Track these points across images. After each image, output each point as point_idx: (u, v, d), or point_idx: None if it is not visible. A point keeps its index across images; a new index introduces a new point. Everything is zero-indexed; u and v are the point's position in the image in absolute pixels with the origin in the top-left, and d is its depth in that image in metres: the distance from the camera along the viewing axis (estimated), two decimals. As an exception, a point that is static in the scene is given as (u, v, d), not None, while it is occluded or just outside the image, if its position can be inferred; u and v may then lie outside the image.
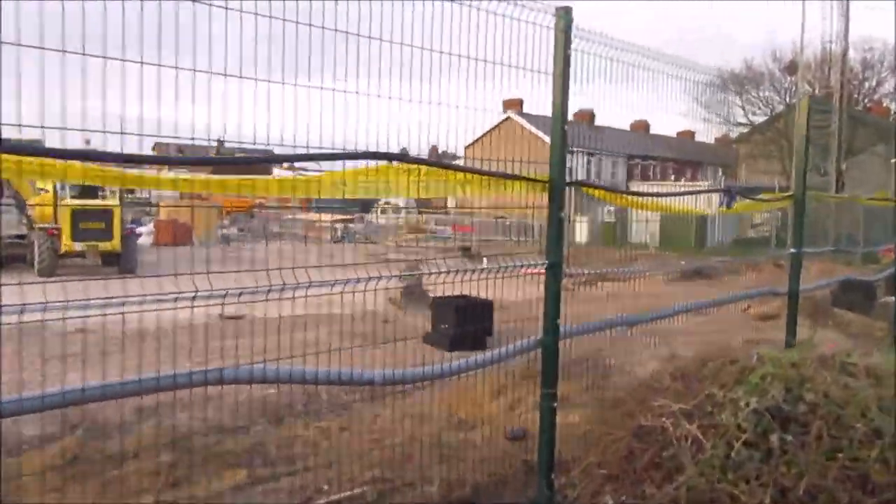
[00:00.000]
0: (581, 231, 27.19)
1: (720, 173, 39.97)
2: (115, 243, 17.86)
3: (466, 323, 7.13)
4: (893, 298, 13.96)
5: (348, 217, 32.68)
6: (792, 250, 5.96)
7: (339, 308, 3.91)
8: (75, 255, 17.93)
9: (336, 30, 3.13)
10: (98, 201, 18.39)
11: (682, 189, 5.05)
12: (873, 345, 9.43)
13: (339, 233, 28.00)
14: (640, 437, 3.74)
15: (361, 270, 3.63)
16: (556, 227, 4.22)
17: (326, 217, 32.28)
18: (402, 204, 44.35)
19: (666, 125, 77.98)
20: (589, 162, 46.05)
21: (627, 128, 55.84)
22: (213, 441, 3.95)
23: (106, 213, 17.87)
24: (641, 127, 55.84)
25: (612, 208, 28.86)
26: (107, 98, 2.58)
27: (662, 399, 3.96)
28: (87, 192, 17.72)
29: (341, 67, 3.21)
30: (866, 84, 35.13)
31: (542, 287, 5.96)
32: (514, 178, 4.08)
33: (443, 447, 4.27)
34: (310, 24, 3.04)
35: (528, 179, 4.14)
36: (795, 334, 6.06)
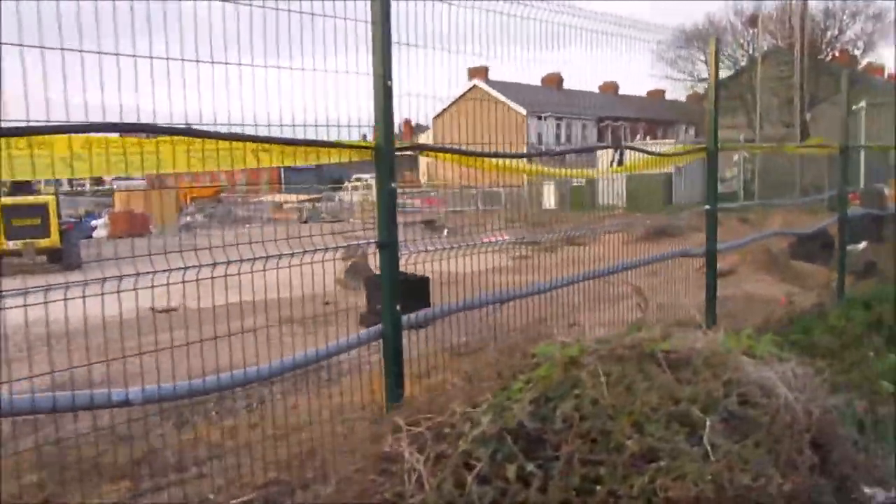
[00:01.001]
0: (549, 195, 26.99)
1: (690, 131, 39.87)
2: (53, 239, 17.01)
3: (400, 302, 6.82)
4: (859, 246, 13.85)
5: (315, 196, 32.26)
6: (706, 207, 5.66)
7: (282, 291, 3.69)
8: (11, 253, 17.05)
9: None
10: (31, 197, 17.38)
11: (562, 149, 4.68)
12: (826, 296, 9.30)
13: (304, 214, 27.60)
14: (383, 469, 2.74)
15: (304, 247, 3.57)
16: (387, 202, 3.65)
17: (293, 198, 31.85)
18: (372, 181, 43.82)
19: (636, 85, 77.75)
20: (558, 126, 45.89)
21: (596, 90, 55.65)
22: (98, 452, 3.66)
23: (40, 208, 17.00)
24: (611, 89, 55.60)
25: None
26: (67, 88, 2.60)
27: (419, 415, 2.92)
28: (20, 187, 16.85)
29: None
30: (828, 33, 35.00)
31: (501, 257, 5.79)
32: (330, 145, 3.46)
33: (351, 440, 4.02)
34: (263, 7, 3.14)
35: (347, 146, 3.54)
36: (715, 299, 5.77)
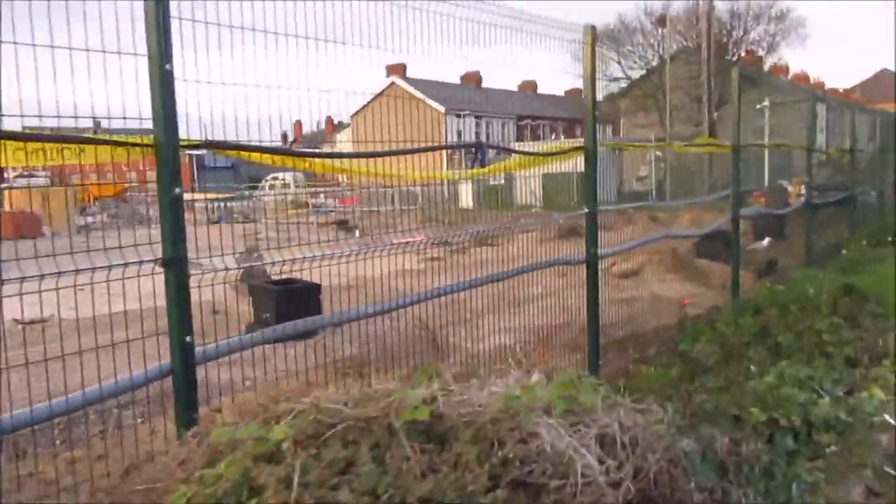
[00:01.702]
0: (467, 195, 26.78)
1: (608, 130, 40.46)
2: None
3: (286, 311, 6.41)
4: (763, 243, 14.14)
5: (226, 196, 31.16)
6: (585, 210, 5.34)
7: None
8: None
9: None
10: None
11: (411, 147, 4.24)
12: (725, 296, 9.33)
13: (214, 213, 26.57)
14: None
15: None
16: (171, 210, 3.00)
17: (203, 196, 30.72)
18: (289, 180, 42.96)
19: (555, 85, 78.84)
20: (477, 124, 45.90)
21: (515, 89, 56.05)
22: None
23: None
24: (529, 87, 56.12)
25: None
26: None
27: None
28: None
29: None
30: (734, 34, 36.21)
31: (414, 259, 5.47)
32: (97, 142, 2.88)
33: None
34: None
35: (119, 144, 2.92)
36: (598, 302, 5.38)
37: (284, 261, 4.46)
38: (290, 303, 6.68)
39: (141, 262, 2.95)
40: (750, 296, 6.41)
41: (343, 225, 20.38)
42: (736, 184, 7.47)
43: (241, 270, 10.11)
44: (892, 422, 3.13)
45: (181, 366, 3.12)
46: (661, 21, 32.01)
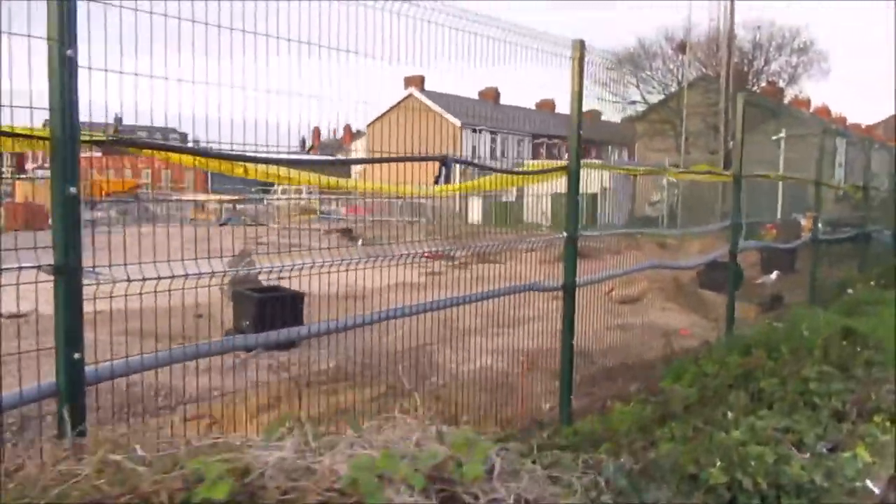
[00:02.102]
0: (475, 210, 26.59)
1: (623, 153, 40.32)
2: None
3: (267, 320, 6.23)
4: (772, 277, 13.81)
5: (238, 198, 31.10)
6: (564, 234, 5.03)
7: (161, 299, 3.13)
8: None
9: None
10: None
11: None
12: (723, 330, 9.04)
13: (223, 215, 26.55)
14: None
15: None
16: (65, 211, 2.73)
17: (216, 198, 30.74)
18: (302, 185, 42.93)
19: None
20: (493, 140, 45.80)
21: (533, 107, 55.94)
22: None
23: None
24: (548, 107, 55.96)
25: (513, 187, 28.35)
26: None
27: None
28: None
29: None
30: (755, 64, 35.91)
31: (414, 272, 5.31)
32: None
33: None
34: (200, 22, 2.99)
35: (7, 135, 2.67)
36: (573, 333, 5.00)
37: (273, 267, 4.29)
38: (271, 311, 6.50)
39: (21, 268, 2.71)
40: (745, 332, 6.10)
41: (347, 234, 20.28)
42: (736, 215, 7.16)
43: (234, 275, 9.98)
44: (874, 489, 2.83)
45: (67, 386, 2.77)
46: (682, 47, 31.83)
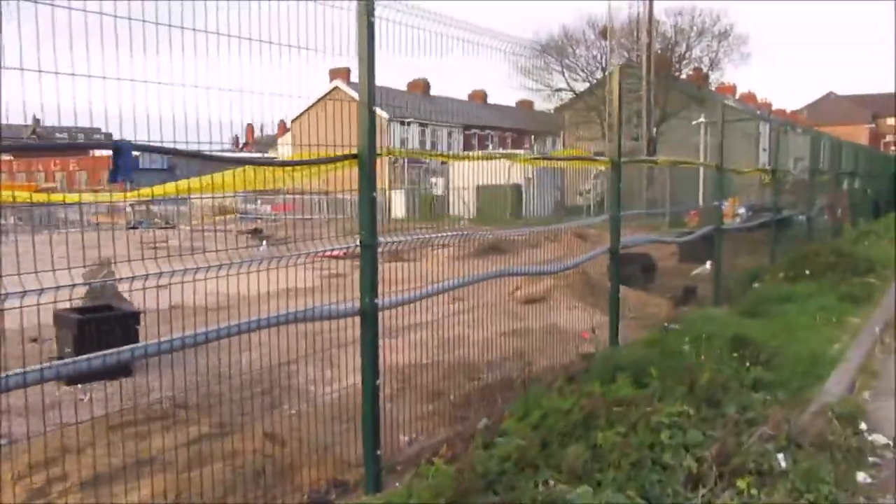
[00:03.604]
0: (398, 204, 25.73)
1: (557, 143, 40.00)
2: None
3: (91, 345, 5.28)
4: (706, 268, 13.23)
5: (149, 199, 29.56)
6: (358, 242, 3.93)
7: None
8: None
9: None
10: None
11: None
12: (633, 329, 8.44)
13: (133, 218, 25.04)
14: None
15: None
16: None
17: (128, 199, 29.03)
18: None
19: (506, 95, 78.82)
20: (423, 132, 44.99)
21: (465, 98, 55.35)
22: None
23: None
24: (479, 97, 55.45)
25: (438, 180, 27.71)
26: None
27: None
28: None
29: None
30: (677, 50, 35.88)
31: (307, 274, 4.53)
32: None
33: None
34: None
35: None
36: (376, 370, 3.95)
37: (135, 276, 3.44)
38: (95, 334, 5.54)
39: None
40: (628, 349, 5.23)
41: (256, 233, 19.13)
42: (615, 207, 6.19)
43: (89, 289, 8.91)
44: None
45: None
46: (604, 33, 31.56)
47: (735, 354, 4.85)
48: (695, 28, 35.39)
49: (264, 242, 14.66)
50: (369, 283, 3.89)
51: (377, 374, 3.87)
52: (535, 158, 6.45)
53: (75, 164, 46.85)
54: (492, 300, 8.29)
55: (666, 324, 6.65)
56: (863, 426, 4.53)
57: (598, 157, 6.18)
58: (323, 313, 3.87)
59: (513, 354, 7.11)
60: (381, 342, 6.61)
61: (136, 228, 25.22)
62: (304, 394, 5.83)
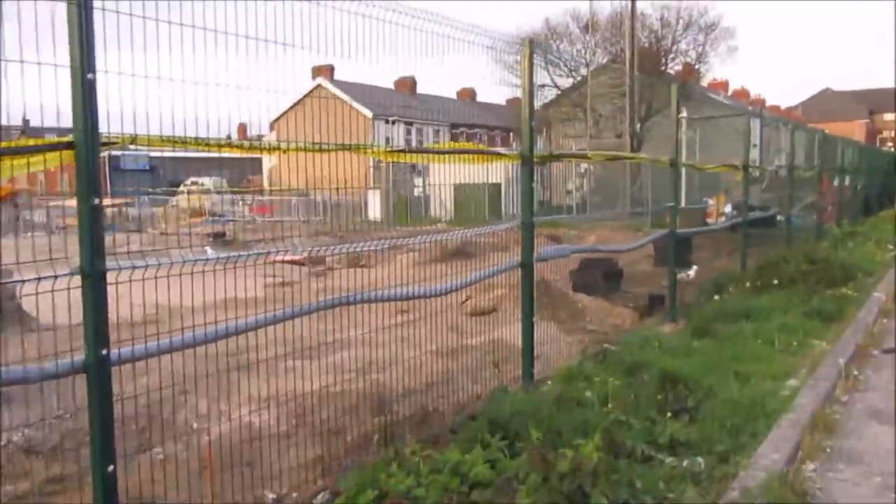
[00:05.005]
0: (374, 205, 25.00)
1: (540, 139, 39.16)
2: None
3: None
4: (690, 273, 12.42)
5: (121, 201, 28.85)
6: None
7: None
8: None
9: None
10: None
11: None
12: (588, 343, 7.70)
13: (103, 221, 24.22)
14: None
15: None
16: None
17: (105, 202, 28.22)
18: (209, 184, 40.99)
19: (496, 93, 78.23)
20: (408, 131, 44.26)
21: (454, 96, 54.58)
22: None
23: None
24: (467, 95, 54.68)
25: (416, 179, 27.04)
26: None
27: None
28: None
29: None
30: (663, 43, 35.02)
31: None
32: None
33: None
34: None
35: None
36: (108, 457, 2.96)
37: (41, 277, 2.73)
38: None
39: None
40: (524, 395, 4.20)
41: (219, 238, 18.34)
42: (527, 212, 5.23)
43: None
44: None
45: None
46: (588, 27, 30.77)
47: (661, 396, 4.02)
48: (681, 21, 34.64)
49: (208, 249, 13.77)
50: (93, 329, 2.78)
51: (110, 458, 2.77)
52: (428, 152, 5.71)
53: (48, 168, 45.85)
54: (437, 311, 7.55)
55: (606, 344, 5.88)
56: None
57: (503, 152, 5.39)
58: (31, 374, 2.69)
59: (443, 377, 6.37)
60: (296, 363, 5.88)
61: (106, 231, 24.48)
62: (185, 435, 5.09)
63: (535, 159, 5.20)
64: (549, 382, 4.97)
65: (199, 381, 4.79)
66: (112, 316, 3.05)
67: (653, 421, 3.71)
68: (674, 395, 4.05)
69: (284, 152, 3.79)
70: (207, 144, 3.80)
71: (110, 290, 3.09)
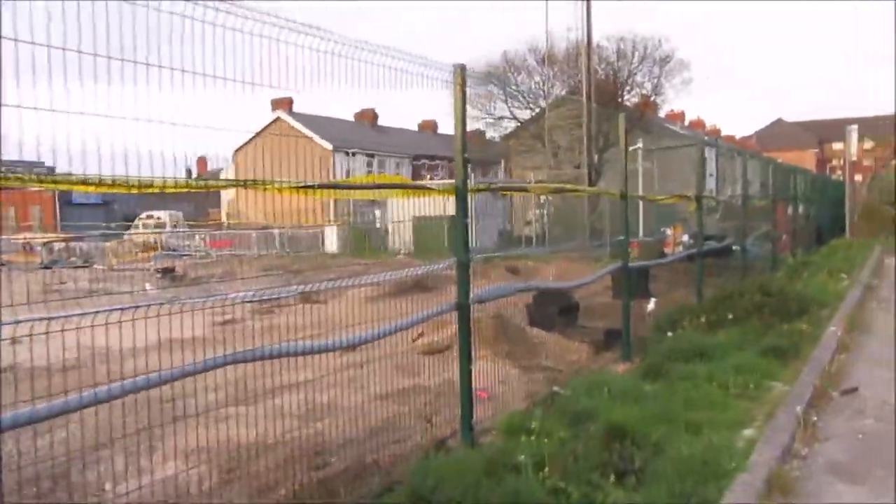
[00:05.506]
0: (331, 238, 24.65)
1: (501, 172, 39.38)
2: None
3: None
4: (651, 306, 12.23)
5: (67, 236, 28.11)
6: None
7: None
8: None
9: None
10: None
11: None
12: (542, 384, 7.46)
13: (46, 256, 23.50)
14: None
15: None
16: None
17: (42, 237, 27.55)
18: (165, 218, 40.22)
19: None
20: (369, 163, 44.06)
21: (415, 128, 54.64)
22: None
23: None
24: (429, 127, 54.79)
25: (377, 212, 26.77)
26: None
27: None
28: None
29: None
30: (620, 75, 35.55)
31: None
32: None
33: None
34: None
35: None
36: None
37: None
38: None
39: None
40: (454, 458, 3.84)
41: (168, 273, 17.79)
42: (461, 250, 4.94)
43: None
44: None
45: None
46: (545, 59, 31.07)
47: (606, 454, 3.71)
48: (637, 53, 35.20)
49: (147, 286, 13.25)
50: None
51: None
52: (348, 188, 5.47)
53: (4, 199, 44.85)
54: (388, 351, 7.22)
55: (555, 387, 5.62)
56: None
57: (432, 186, 5.18)
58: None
59: (384, 424, 6.06)
60: (230, 410, 5.49)
61: (49, 268, 23.70)
62: (102, 491, 4.69)
63: (468, 191, 4.99)
64: (493, 433, 4.69)
65: (117, 433, 4.43)
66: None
67: (595, 486, 3.38)
68: (619, 453, 3.70)
69: (175, 188, 3.51)
70: (116, 184, 3.52)
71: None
